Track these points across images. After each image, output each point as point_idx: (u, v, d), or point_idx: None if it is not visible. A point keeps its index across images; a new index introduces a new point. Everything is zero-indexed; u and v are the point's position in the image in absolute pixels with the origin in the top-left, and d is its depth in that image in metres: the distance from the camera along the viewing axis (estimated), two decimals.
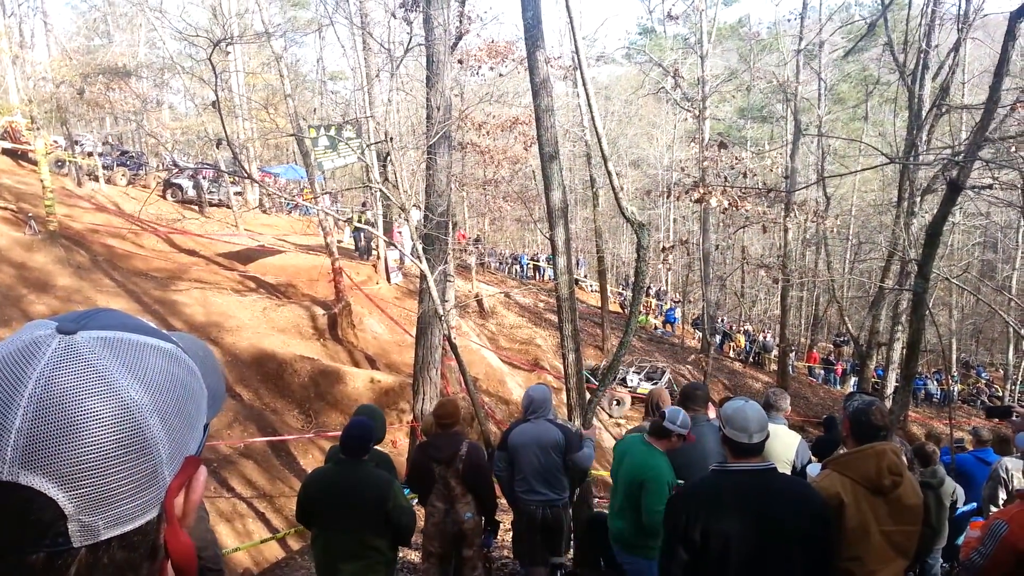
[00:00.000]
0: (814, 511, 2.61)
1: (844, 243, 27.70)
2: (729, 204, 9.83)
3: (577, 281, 22.91)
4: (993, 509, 5.00)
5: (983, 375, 29.60)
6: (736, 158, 13.86)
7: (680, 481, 3.70)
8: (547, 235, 7.03)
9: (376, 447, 4.13)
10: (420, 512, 4.57)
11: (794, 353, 26.74)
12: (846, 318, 17.68)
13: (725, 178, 12.57)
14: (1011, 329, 19.95)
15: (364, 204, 22.69)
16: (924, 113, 13.36)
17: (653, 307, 30.81)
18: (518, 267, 32.99)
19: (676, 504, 2.83)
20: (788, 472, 4.06)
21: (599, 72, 39.32)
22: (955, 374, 26.68)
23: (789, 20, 27.87)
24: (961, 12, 12.60)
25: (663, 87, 21.41)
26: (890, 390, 14.97)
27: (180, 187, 22.63)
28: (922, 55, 13.63)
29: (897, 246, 13.05)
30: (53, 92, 20.28)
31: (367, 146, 11.45)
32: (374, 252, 19.56)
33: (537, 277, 31.58)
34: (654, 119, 36.76)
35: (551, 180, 6.59)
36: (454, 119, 9.30)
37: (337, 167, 13.32)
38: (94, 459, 0.50)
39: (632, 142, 37.28)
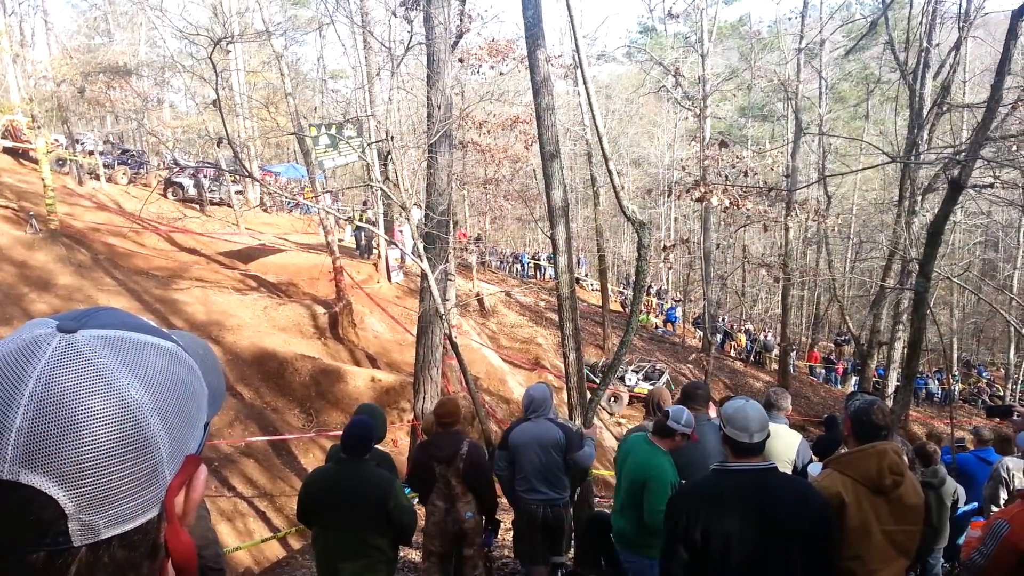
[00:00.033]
0: (815, 511, 2.61)
1: (845, 242, 27.68)
2: (730, 203, 9.83)
3: (578, 280, 22.90)
4: (994, 509, 4.99)
5: (984, 374, 29.59)
6: (737, 157, 13.85)
7: (682, 481, 3.70)
8: (548, 234, 7.03)
9: (377, 446, 4.13)
10: (421, 511, 4.57)
11: (795, 352, 26.74)
12: (847, 317, 17.68)
13: (726, 177, 12.55)
14: (1012, 328, 19.93)
15: (365, 203, 22.70)
16: (925, 112, 13.35)
17: (654, 306, 30.79)
18: (519, 266, 32.99)
19: (676, 504, 2.83)
20: (789, 471, 4.05)
21: (600, 71, 39.32)
22: (956, 373, 26.67)
23: (790, 19, 27.84)
24: (962, 11, 12.59)
25: (664, 86, 21.41)
26: (891, 389, 14.96)
27: (181, 186, 22.64)
28: (923, 54, 13.61)
29: (898, 245, 13.04)
30: (54, 91, 20.28)
31: (368, 145, 11.44)
32: (375, 251, 19.56)
33: (538, 276, 31.58)
34: (655, 118, 36.75)
35: (552, 179, 6.59)
36: (455, 118, 9.30)
37: (338, 166, 13.30)
38: (94, 458, 0.50)
39: (633, 141, 37.27)
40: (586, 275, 32.62)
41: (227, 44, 19.92)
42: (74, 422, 0.50)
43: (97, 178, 21.05)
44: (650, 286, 31.13)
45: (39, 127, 15.01)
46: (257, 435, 9.86)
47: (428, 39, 8.33)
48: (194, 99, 25.81)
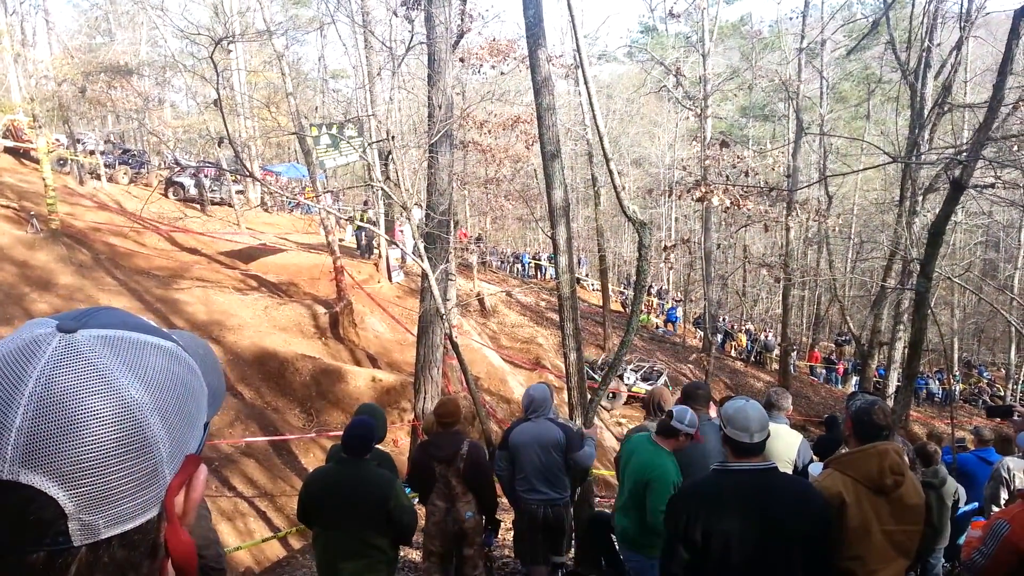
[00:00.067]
0: (815, 511, 2.61)
1: (846, 242, 27.65)
2: (731, 203, 9.83)
3: (579, 280, 22.90)
4: (995, 509, 4.99)
5: (985, 374, 29.56)
6: (738, 157, 13.85)
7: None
8: (549, 234, 7.03)
9: (377, 446, 4.13)
10: (421, 511, 4.58)
11: (796, 352, 26.74)
12: (848, 317, 17.68)
13: (727, 177, 12.55)
14: (1013, 328, 19.92)
15: (366, 203, 22.71)
16: (926, 112, 13.35)
17: (655, 306, 30.80)
18: (520, 266, 33.01)
19: (677, 504, 2.83)
20: (790, 471, 4.05)
21: (601, 70, 39.31)
22: (957, 373, 26.65)
23: (791, 18, 27.82)
24: (963, 10, 12.55)
25: (665, 85, 21.40)
26: (892, 389, 14.94)
27: (182, 185, 22.65)
28: (924, 53, 13.60)
29: (899, 245, 13.03)
30: (55, 90, 20.28)
31: (369, 144, 11.45)
32: (376, 251, 19.56)
33: (539, 276, 31.59)
34: (656, 118, 36.73)
35: (553, 179, 6.59)
36: (456, 117, 9.29)
37: (339, 165, 13.31)
38: (94, 458, 0.50)
39: (634, 140, 37.25)
40: (587, 275, 32.63)
41: (228, 44, 19.93)
42: (74, 422, 0.50)
43: (98, 178, 21.07)
44: (651, 286, 31.13)
45: (40, 127, 15.02)
46: (258, 435, 9.86)
47: (429, 39, 8.33)
48: (195, 99, 25.81)
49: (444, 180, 8.32)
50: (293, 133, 16.47)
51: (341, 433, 3.86)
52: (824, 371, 26.68)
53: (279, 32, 16.96)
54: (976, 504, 5.62)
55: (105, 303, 11.06)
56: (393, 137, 8.05)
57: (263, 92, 26.91)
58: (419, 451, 4.71)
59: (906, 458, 2.93)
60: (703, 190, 9.74)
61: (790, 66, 22.43)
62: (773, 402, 4.66)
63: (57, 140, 20.52)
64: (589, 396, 6.47)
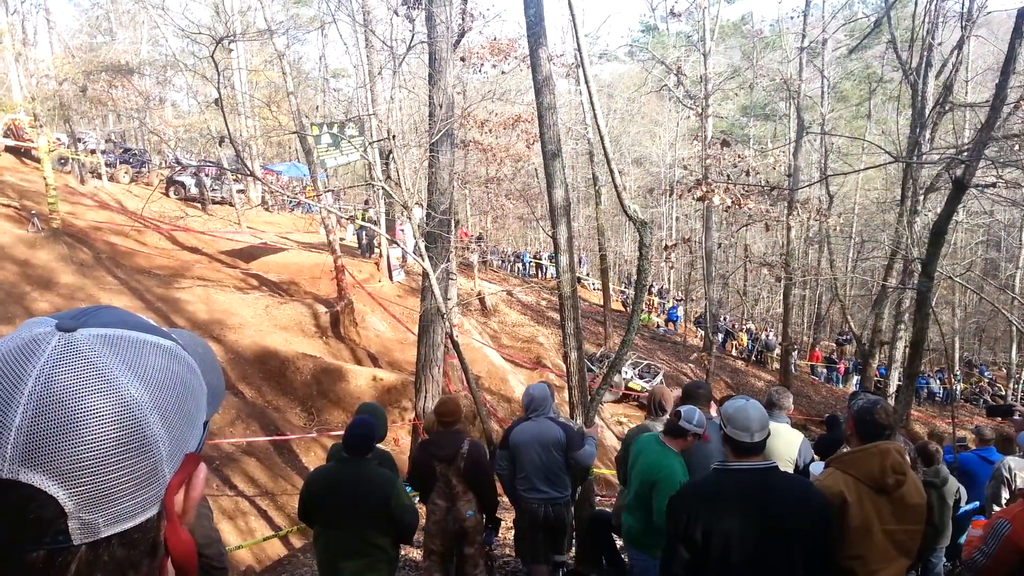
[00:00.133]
0: (815, 510, 2.61)
1: (847, 241, 27.64)
2: (732, 202, 9.81)
3: (579, 279, 22.89)
4: (996, 508, 4.99)
5: (986, 374, 29.54)
6: (739, 156, 13.82)
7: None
8: (549, 233, 7.03)
9: (378, 445, 4.13)
10: (421, 510, 4.58)
11: (796, 352, 26.74)
12: (849, 317, 17.68)
13: (728, 176, 12.52)
14: (1014, 328, 19.91)
15: (367, 202, 22.71)
16: (928, 111, 13.33)
17: (655, 305, 30.80)
18: (520, 265, 33.02)
19: (677, 503, 2.83)
20: (791, 471, 4.05)
21: (602, 70, 39.33)
22: (958, 373, 26.63)
23: (792, 18, 27.75)
24: (965, 9, 12.55)
25: (666, 85, 21.40)
26: (893, 389, 14.94)
27: (183, 185, 22.65)
28: (926, 53, 13.59)
29: (900, 244, 13.03)
30: (56, 89, 20.30)
31: (369, 144, 11.44)
32: (376, 250, 19.57)
33: (539, 275, 31.60)
34: (657, 117, 36.72)
35: (553, 178, 6.59)
36: (456, 117, 9.29)
37: (340, 165, 13.31)
38: (94, 457, 0.50)
39: (635, 140, 37.25)
40: (588, 274, 32.64)
41: (229, 43, 19.93)
42: (74, 421, 0.50)
43: (99, 177, 21.07)
44: (652, 285, 31.13)
45: (41, 126, 15.02)
46: (259, 434, 9.87)
47: (430, 38, 8.32)
48: (196, 98, 25.81)
49: (445, 179, 8.32)
50: (294, 132, 16.48)
51: (342, 432, 3.86)
52: (825, 370, 26.68)
53: (280, 31, 16.96)
54: (977, 503, 5.61)
55: (106, 302, 11.03)
56: (394, 136, 8.04)
57: (264, 91, 26.91)
58: (420, 450, 4.71)
59: (908, 457, 2.93)
60: (704, 189, 9.73)
61: (791, 65, 22.41)
62: (774, 401, 4.65)
63: (58, 139, 20.54)
64: (590, 395, 6.47)
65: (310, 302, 14.68)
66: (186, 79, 26.08)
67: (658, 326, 29.16)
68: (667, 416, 4.53)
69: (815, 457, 4.44)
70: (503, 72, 18.10)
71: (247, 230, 20.26)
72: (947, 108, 13.31)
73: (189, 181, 22.70)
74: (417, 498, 4.68)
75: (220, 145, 22.25)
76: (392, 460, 4.54)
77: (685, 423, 3.73)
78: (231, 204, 22.30)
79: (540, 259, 32.30)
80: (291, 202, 27.16)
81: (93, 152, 22.01)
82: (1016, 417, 6.24)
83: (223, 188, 23.92)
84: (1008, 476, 5.14)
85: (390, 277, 18.29)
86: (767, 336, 27.84)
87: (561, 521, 4.68)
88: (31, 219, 14.14)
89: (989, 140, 6.53)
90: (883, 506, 2.74)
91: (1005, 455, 5.57)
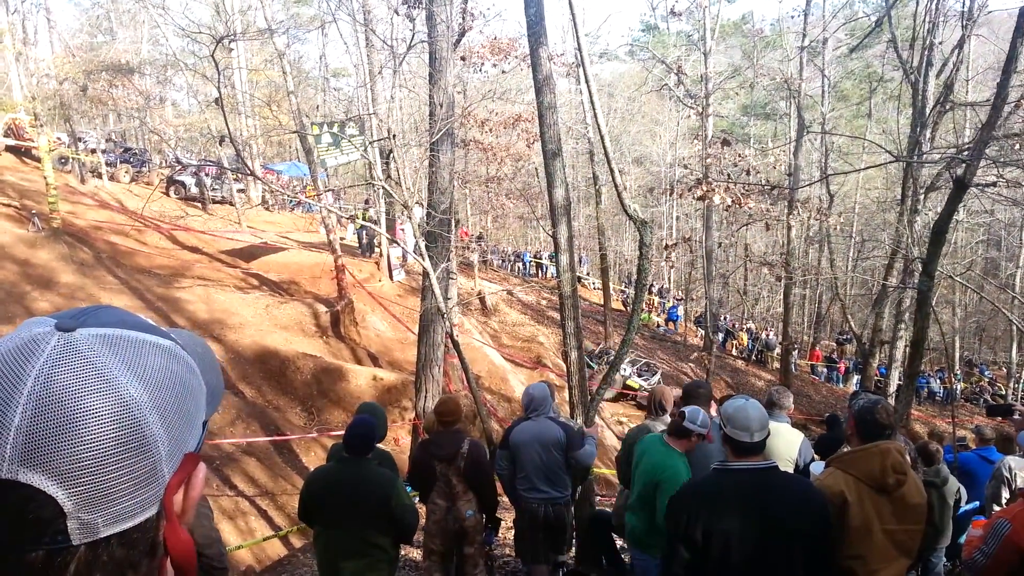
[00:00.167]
0: (815, 510, 2.61)
1: (847, 241, 27.65)
2: (732, 201, 9.81)
3: (580, 279, 22.92)
4: (996, 508, 4.98)
5: (986, 373, 29.53)
6: (739, 155, 13.80)
7: None
8: (550, 232, 7.02)
9: (378, 445, 4.13)
10: (421, 510, 4.58)
11: (797, 351, 26.73)
12: (849, 316, 17.67)
13: (728, 175, 12.51)
14: (1015, 327, 19.90)
15: (367, 201, 22.70)
16: (928, 110, 13.32)
17: (656, 305, 30.80)
18: (521, 264, 33.04)
19: (677, 503, 2.83)
20: (791, 470, 4.05)
21: (602, 69, 39.31)
22: (958, 372, 26.62)
23: (792, 17, 27.77)
24: (965, 9, 12.54)
25: (666, 84, 21.40)
26: (893, 388, 14.94)
27: (183, 184, 22.65)
28: (926, 52, 13.58)
29: (900, 244, 13.02)
30: (56, 89, 20.29)
31: (370, 143, 11.44)
32: (377, 249, 19.57)
33: (540, 274, 31.61)
34: (657, 116, 36.72)
35: (554, 177, 6.59)
36: (457, 116, 9.29)
37: (340, 164, 13.31)
38: (93, 457, 0.50)
39: (635, 139, 37.25)
40: (588, 274, 32.64)
41: (229, 42, 19.93)
42: (73, 421, 0.50)
43: (99, 176, 21.07)
44: (652, 285, 31.13)
45: (41, 125, 15.01)
46: (259, 433, 9.86)
47: (430, 37, 8.32)
48: (196, 97, 25.82)
49: (445, 179, 8.32)
50: (294, 132, 16.48)
51: (342, 432, 3.86)
52: (825, 370, 26.68)
53: (280, 30, 16.96)
54: (977, 503, 5.61)
55: (106, 302, 11.05)
56: (394, 136, 8.05)
57: (264, 90, 26.90)
58: (420, 450, 4.71)
59: (908, 457, 2.93)
60: (704, 189, 9.72)
61: (791, 64, 22.40)
62: (774, 401, 4.65)
63: (58, 139, 20.53)
64: (590, 395, 6.47)
65: (310, 302, 14.68)
66: (186, 78, 26.08)
67: (658, 325, 29.16)
68: (667, 416, 4.54)
69: (815, 457, 4.44)
70: (503, 71, 18.11)
71: (247, 229, 20.26)
72: (948, 107, 13.30)
73: (189, 180, 22.70)
74: (417, 498, 4.69)
75: (220, 144, 22.24)
76: (392, 460, 4.54)
77: (689, 424, 3.73)
78: (231, 203, 22.29)
79: (540, 258, 32.31)
80: (291, 201, 27.16)
81: (93, 151, 22.00)
82: (1016, 417, 6.23)
83: (223, 187, 23.91)
84: (1008, 476, 5.14)
85: (390, 276, 18.29)
86: (767, 335, 27.84)
87: (561, 521, 4.67)
88: (31, 218, 14.15)
89: (990, 139, 6.52)
90: (883, 506, 2.74)
91: (1005, 455, 5.57)
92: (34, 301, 11.55)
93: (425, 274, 7.73)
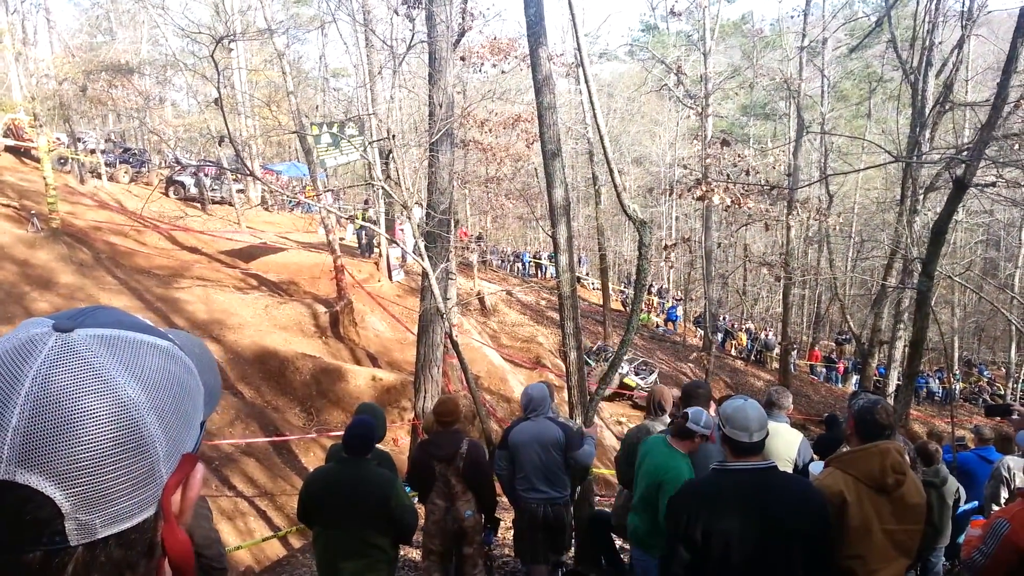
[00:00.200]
0: (815, 510, 2.61)
1: (846, 241, 27.65)
2: (731, 202, 9.82)
3: (579, 279, 22.89)
4: (995, 508, 4.99)
5: (985, 373, 29.53)
6: (739, 155, 13.82)
7: None
8: (549, 233, 7.03)
9: (377, 445, 4.13)
10: (420, 510, 4.58)
11: (796, 351, 26.73)
12: (848, 316, 17.66)
13: (728, 175, 12.52)
14: (1013, 327, 19.91)
15: (366, 201, 22.71)
16: (928, 110, 13.33)
17: (655, 305, 30.80)
18: (520, 265, 33.03)
19: (677, 504, 2.83)
20: (790, 470, 4.05)
21: (602, 69, 39.32)
22: (957, 372, 26.61)
23: (792, 17, 27.77)
24: (965, 9, 12.55)
25: (666, 84, 21.42)
26: (892, 388, 14.94)
27: (182, 184, 22.65)
28: (926, 52, 13.58)
29: (900, 244, 13.02)
30: (56, 89, 20.29)
31: (369, 143, 11.43)
32: (376, 250, 19.56)
33: (539, 275, 31.61)
34: (657, 116, 36.72)
35: (553, 177, 6.59)
36: (456, 116, 9.29)
37: (339, 164, 13.30)
38: (91, 457, 0.50)
39: (635, 139, 37.23)
40: (587, 274, 32.65)
41: (229, 42, 19.94)
42: (70, 421, 0.50)
43: (99, 177, 21.07)
44: (651, 285, 31.13)
45: (41, 126, 15.01)
46: (258, 434, 9.86)
47: (430, 37, 8.32)
48: (196, 97, 25.83)
49: (445, 179, 8.32)
50: (294, 132, 16.49)
51: (341, 432, 3.86)
52: (824, 370, 26.67)
53: (280, 31, 16.95)
54: (976, 503, 5.61)
55: (106, 302, 11.05)
56: (394, 136, 8.05)
57: (264, 91, 26.90)
58: (419, 450, 4.72)
59: (907, 457, 2.93)
60: (704, 189, 9.73)
61: (791, 64, 22.41)
62: (774, 401, 4.65)
63: (58, 139, 20.53)
64: (589, 395, 6.47)
65: (309, 302, 14.68)
66: (186, 79, 26.08)
67: (657, 326, 29.15)
68: (667, 416, 4.54)
69: (814, 457, 4.44)
70: (503, 72, 18.11)
71: (247, 230, 20.26)
72: (947, 107, 13.31)
73: (189, 181, 22.70)
74: (416, 498, 4.69)
75: (220, 145, 22.24)
76: (391, 460, 4.54)
77: (693, 424, 3.72)
78: (231, 204, 22.29)
79: (540, 259, 32.30)
80: (291, 202, 27.16)
81: (93, 152, 22.00)
82: (1015, 417, 6.24)
83: (223, 188, 23.91)
84: (1007, 475, 5.14)
85: (389, 277, 18.29)
86: (766, 336, 27.83)
87: (560, 521, 4.67)
88: (31, 219, 14.14)
89: (990, 139, 6.52)
90: (883, 506, 2.74)
91: (1004, 454, 5.57)
92: (33, 302, 11.54)
93: (424, 274, 7.73)
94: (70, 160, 20.27)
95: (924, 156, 12.47)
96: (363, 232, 20.18)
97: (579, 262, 29.33)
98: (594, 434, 5.14)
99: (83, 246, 14.36)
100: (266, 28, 15.56)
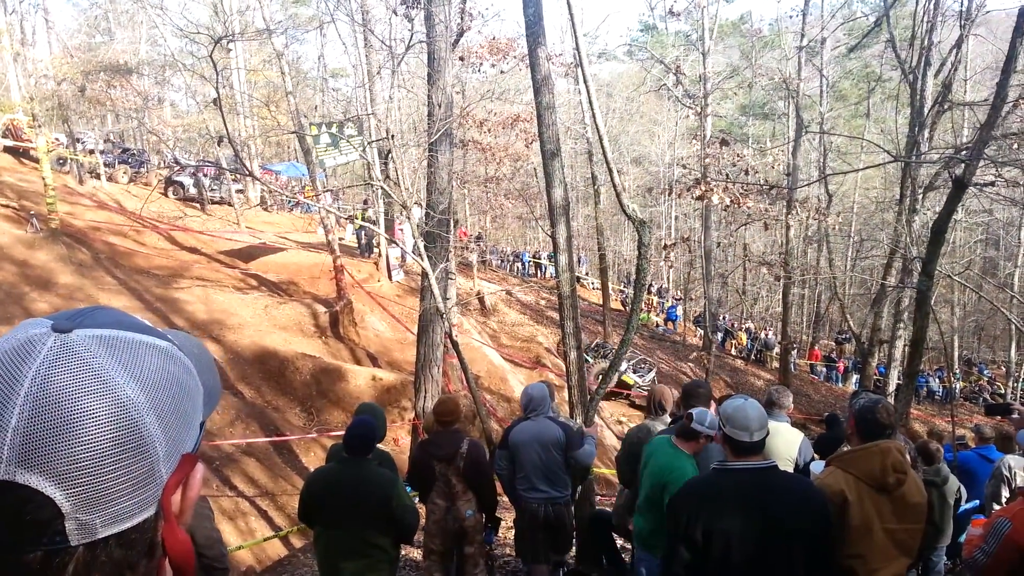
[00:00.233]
0: (816, 509, 2.61)
1: (846, 240, 27.65)
2: (731, 201, 9.82)
3: (579, 279, 22.89)
4: (996, 507, 4.99)
5: (985, 372, 29.55)
6: (738, 155, 13.84)
7: None
8: (548, 232, 7.03)
9: (377, 445, 4.13)
10: (421, 509, 4.58)
11: (796, 351, 26.74)
12: (848, 315, 17.67)
13: (727, 175, 12.53)
14: (1013, 326, 19.92)
15: (366, 201, 22.71)
16: (927, 110, 13.33)
17: (655, 305, 30.81)
18: (520, 264, 33.03)
19: (677, 504, 2.82)
20: (791, 470, 4.05)
21: (600, 69, 39.31)
22: (957, 371, 26.63)
23: (791, 16, 27.83)
24: (963, 9, 12.56)
25: (665, 84, 21.40)
26: (892, 387, 14.95)
27: (181, 185, 22.64)
28: (924, 52, 13.59)
29: (899, 243, 13.03)
30: (55, 90, 20.28)
31: (368, 143, 11.43)
32: (376, 250, 19.56)
33: (539, 275, 31.61)
34: (656, 116, 36.73)
35: (552, 177, 6.59)
36: (455, 116, 9.29)
37: (338, 164, 13.29)
38: (91, 457, 0.50)
39: (634, 139, 37.24)
40: (587, 273, 32.64)
41: (228, 42, 19.92)
42: (70, 422, 0.50)
43: (98, 177, 21.06)
44: (651, 284, 31.14)
45: (40, 126, 15.00)
46: (258, 434, 9.86)
47: (429, 37, 8.32)
48: (195, 98, 25.84)
49: (444, 179, 8.31)
50: (293, 132, 16.48)
51: (342, 432, 3.86)
52: (824, 369, 26.68)
53: (278, 31, 16.96)
54: (977, 502, 5.61)
55: (105, 302, 11.05)
56: (393, 136, 8.04)
57: (263, 91, 26.90)
58: (419, 450, 4.71)
59: (908, 456, 2.93)
60: (703, 188, 9.74)
61: (790, 64, 22.42)
62: (774, 400, 4.65)
63: (57, 139, 20.52)
64: (589, 395, 6.47)
65: (309, 302, 14.67)
66: (185, 79, 26.09)
67: (657, 325, 29.15)
68: (667, 415, 4.53)
69: (815, 456, 4.44)
70: (502, 71, 18.11)
71: (246, 230, 20.25)
72: (946, 107, 13.32)
73: (188, 181, 22.69)
74: (417, 498, 4.68)
75: (219, 145, 22.24)
76: (392, 460, 4.54)
77: (698, 425, 3.72)
78: (230, 204, 22.29)
79: (539, 258, 32.30)
80: (290, 202, 27.16)
81: (92, 152, 22.00)
82: (1015, 416, 6.24)
83: (222, 188, 23.90)
84: (1008, 474, 5.14)
85: (389, 277, 18.28)
86: (766, 335, 27.84)
87: (561, 520, 4.67)
88: (30, 219, 14.13)
89: (989, 139, 6.52)
90: (884, 505, 2.74)
91: (1005, 453, 5.57)
92: (33, 302, 11.54)
93: (424, 274, 7.73)
94: (69, 160, 20.27)
95: (923, 156, 12.48)
96: (363, 232, 20.18)
97: (579, 262, 29.34)
98: (594, 434, 5.13)
99: (82, 246, 14.36)
100: (265, 28, 15.56)
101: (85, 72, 21.84)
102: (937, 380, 26.23)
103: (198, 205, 22.27)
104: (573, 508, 5.08)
